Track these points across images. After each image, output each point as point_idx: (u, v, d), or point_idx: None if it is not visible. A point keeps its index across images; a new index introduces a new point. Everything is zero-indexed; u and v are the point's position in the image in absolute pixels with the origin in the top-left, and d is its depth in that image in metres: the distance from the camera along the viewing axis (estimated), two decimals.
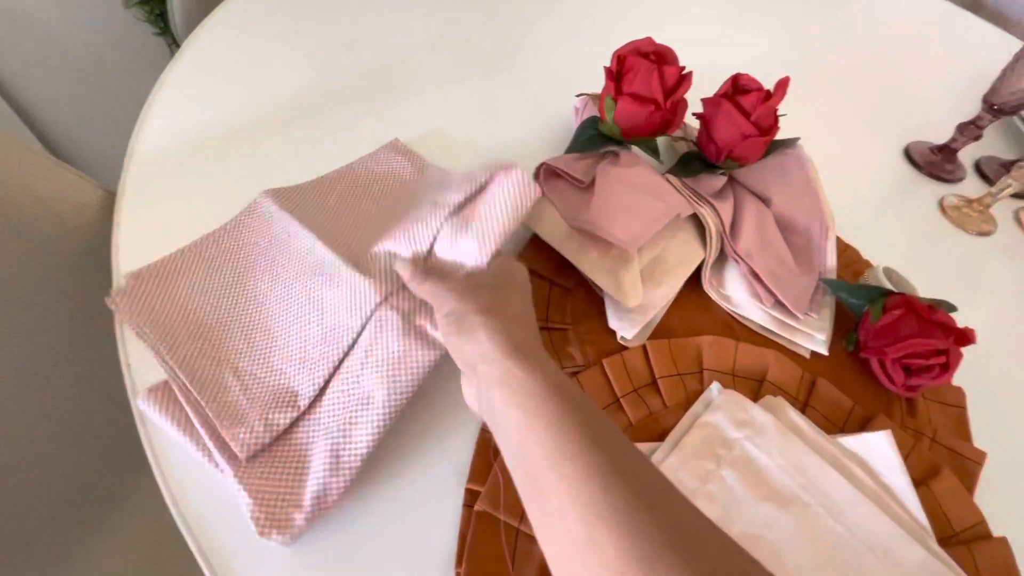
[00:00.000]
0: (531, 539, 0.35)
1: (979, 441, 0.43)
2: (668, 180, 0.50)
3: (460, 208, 0.36)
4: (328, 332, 0.38)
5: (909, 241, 0.60)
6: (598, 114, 0.52)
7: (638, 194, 0.46)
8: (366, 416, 0.35)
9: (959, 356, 0.41)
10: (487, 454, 0.38)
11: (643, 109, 0.46)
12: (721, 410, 0.40)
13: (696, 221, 0.49)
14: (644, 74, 0.45)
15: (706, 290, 0.48)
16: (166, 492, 0.34)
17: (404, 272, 0.36)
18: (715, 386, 0.42)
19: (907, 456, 0.41)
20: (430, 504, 0.36)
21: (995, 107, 0.60)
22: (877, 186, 0.66)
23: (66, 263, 0.46)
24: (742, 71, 0.48)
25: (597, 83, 0.52)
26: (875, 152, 0.70)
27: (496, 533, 0.35)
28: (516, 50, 0.72)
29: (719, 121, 0.47)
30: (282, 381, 0.37)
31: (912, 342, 0.41)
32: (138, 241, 0.44)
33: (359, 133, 0.56)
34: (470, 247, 0.34)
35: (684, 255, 0.47)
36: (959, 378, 0.48)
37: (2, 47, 0.90)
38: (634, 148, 0.53)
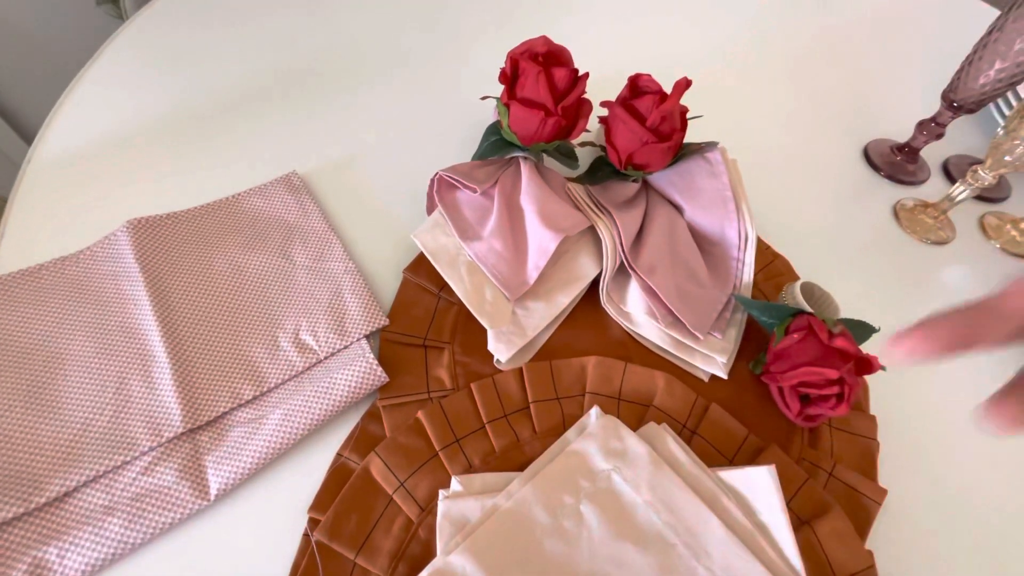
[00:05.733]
0: (367, 574, 0.33)
1: (891, 477, 0.40)
2: (570, 190, 0.47)
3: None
4: (112, 435, 0.35)
5: (857, 251, 0.56)
6: None
7: (530, 215, 0.44)
8: (93, 540, 0.31)
9: (857, 385, 0.37)
10: (337, 483, 0.36)
11: (533, 115, 0.43)
12: (594, 438, 0.38)
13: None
14: (532, 78, 0.43)
15: (604, 306, 0.45)
16: None
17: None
18: (594, 411, 0.39)
19: (797, 492, 0.38)
20: (268, 529, 0.35)
21: (955, 104, 0.55)
22: (828, 190, 0.61)
23: None
24: (684, 66, 0.44)
25: None
26: (833, 152, 0.65)
27: (333, 566, 0.33)
28: (435, 49, 0.69)
29: (616, 127, 0.44)
30: (33, 463, 0.33)
31: (805, 370, 0.38)
32: (22, 254, 0.44)
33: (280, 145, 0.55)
34: None
35: (576, 272, 0.44)
36: (879, 406, 0.44)
37: None
38: (545, 157, 0.50)
